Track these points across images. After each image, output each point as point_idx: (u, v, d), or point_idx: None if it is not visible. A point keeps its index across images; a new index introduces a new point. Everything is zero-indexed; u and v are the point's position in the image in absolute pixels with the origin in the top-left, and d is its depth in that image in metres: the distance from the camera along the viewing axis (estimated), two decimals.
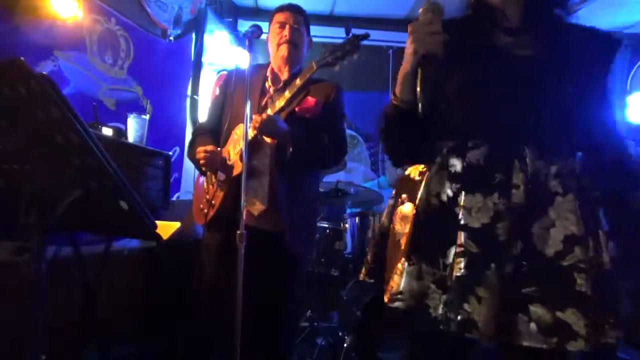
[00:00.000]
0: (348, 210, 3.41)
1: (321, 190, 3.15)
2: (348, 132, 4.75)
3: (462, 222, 1.00)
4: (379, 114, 1.19)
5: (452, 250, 1.00)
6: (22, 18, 2.02)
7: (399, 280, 1.04)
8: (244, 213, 1.63)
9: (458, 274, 0.97)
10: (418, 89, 1.01)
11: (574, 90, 1.04)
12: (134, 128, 2.25)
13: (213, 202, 1.90)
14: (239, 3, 4.60)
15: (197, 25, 3.61)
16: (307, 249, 2.07)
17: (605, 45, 1.10)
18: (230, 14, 4.48)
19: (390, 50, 4.80)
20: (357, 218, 3.03)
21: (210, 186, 1.96)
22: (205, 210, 1.93)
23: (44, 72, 1.45)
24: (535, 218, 0.98)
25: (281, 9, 1.99)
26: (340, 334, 2.88)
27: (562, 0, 1.11)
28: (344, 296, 2.99)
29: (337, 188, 3.13)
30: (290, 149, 1.78)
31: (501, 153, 1.02)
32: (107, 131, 2.04)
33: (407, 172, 1.21)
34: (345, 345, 2.67)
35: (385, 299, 1.07)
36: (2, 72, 0.85)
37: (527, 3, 1.10)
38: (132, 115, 2.28)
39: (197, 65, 3.67)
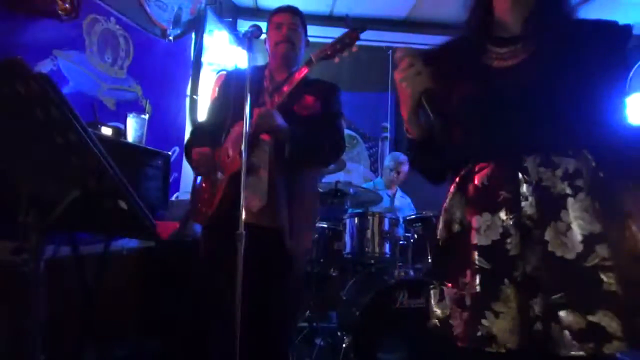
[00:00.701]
0: (347, 211, 3.41)
1: (320, 190, 3.15)
2: (347, 132, 4.76)
3: (473, 242, 1.03)
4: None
5: (469, 270, 1.04)
6: (21, 17, 2.01)
7: (430, 303, 1.13)
8: (243, 210, 1.63)
9: (473, 292, 1.01)
10: (432, 117, 1.11)
11: (578, 85, 1.03)
12: (133, 128, 2.25)
13: (212, 200, 1.90)
14: (238, 3, 4.60)
15: (196, 25, 3.61)
16: (305, 249, 2.06)
17: (612, 36, 1.10)
18: (230, 14, 4.48)
19: (390, 51, 4.79)
20: (356, 218, 3.03)
21: (209, 185, 1.97)
22: (204, 209, 1.93)
23: (43, 72, 1.45)
24: (547, 225, 0.98)
25: (278, 10, 2.02)
26: (339, 334, 2.88)
27: (563, 11, 1.12)
28: (343, 296, 2.99)
29: (337, 188, 3.13)
30: (288, 146, 1.79)
31: (504, 170, 1.04)
32: (106, 131, 2.04)
33: None
34: (344, 345, 2.67)
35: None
36: (1, 71, 0.85)
37: (530, 13, 1.10)
38: (131, 115, 2.28)
39: (197, 65, 3.67)
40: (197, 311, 1.97)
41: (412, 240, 2.94)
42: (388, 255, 2.96)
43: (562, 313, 0.93)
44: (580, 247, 0.95)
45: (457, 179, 1.14)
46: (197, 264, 1.98)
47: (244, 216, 1.62)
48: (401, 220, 3.11)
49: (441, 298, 1.10)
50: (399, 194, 3.91)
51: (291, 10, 2.01)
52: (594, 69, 1.04)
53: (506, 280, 0.98)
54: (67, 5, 2.15)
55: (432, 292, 1.13)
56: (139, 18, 2.89)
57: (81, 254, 1.74)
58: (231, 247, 1.62)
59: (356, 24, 1.81)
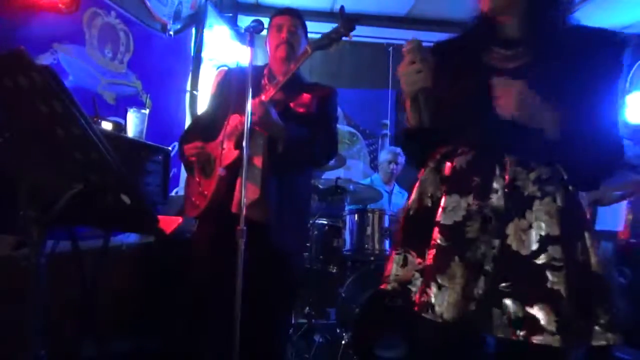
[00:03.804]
0: (347, 207, 3.40)
1: (320, 187, 3.15)
2: (347, 129, 4.76)
3: (437, 219, 1.13)
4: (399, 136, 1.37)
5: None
6: (21, 11, 2.00)
7: (390, 266, 1.23)
8: (244, 207, 1.63)
9: (428, 263, 1.12)
10: (423, 114, 1.21)
11: (569, 97, 1.08)
12: (133, 123, 2.24)
13: (205, 192, 1.90)
14: None
15: (197, 20, 3.59)
16: (297, 247, 2.06)
17: (609, 47, 1.13)
18: (231, 9, 4.46)
19: (390, 48, 4.80)
20: (356, 215, 3.03)
21: (202, 178, 1.96)
22: (198, 202, 1.93)
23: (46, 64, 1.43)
24: (510, 220, 1.07)
25: (279, 12, 2.03)
26: (338, 331, 2.89)
27: (561, 6, 1.16)
28: (342, 293, 2.99)
29: (337, 185, 3.13)
30: (281, 143, 1.79)
31: (483, 160, 1.12)
32: (106, 125, 2.03)
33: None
34: (343, 342, 2.68)
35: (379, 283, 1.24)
36: (4, 63, 0.84)
37: (524, 14, 1.16)
38: (131, 110, 2.27)
39: (197, 60, 3.65)
40: (195, 307, 1.97)
41: None
42: (388, 252, 2.96)
43: (506, 301, 1.02)
44: (535, 246, 1.04)
45: (437, 156, 1.22)
46: (192, 259, 1.97)
47: (237, 210, 1.63)
48: None
49: (404, 264, 1.19)
50: (396, 189, 3.91)
51: (291, 12, 2.03)
52: (589, 80, 1.09)
53: (456, 259, 1.07)
54: None
55: (395, 257, 1.22)
56: (139, 12, 2.87)
57: (81, 249, 1.73)
58: (225, 240, 1.62)
59: (351, 16, 1.84)
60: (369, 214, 2.99)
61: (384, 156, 3.94)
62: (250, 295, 1.74)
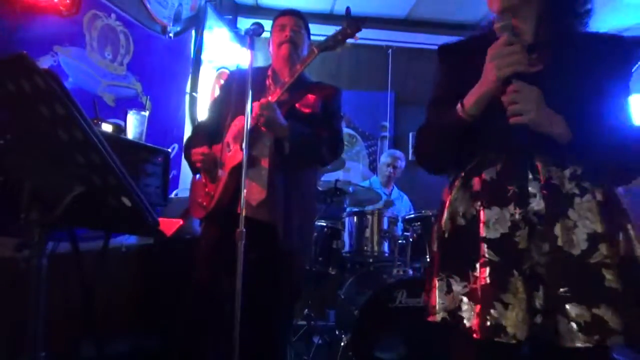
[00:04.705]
0: (346, 209, 3.41)
1: (320, 189, 3.15)
2: (347, 130, 4.77)
3: (482, 234, 1.07)
4: (425, 124, 1.26)
5: (479, 264, 1.07)
6: (22, 13, 2.01)
7: (433, 295, 1.14)
8: (244, 208, 1.63)
9: (483, 283, 1.04)
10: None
11: (589, 97, 1.07)
12: (133, 124, 2.25)
13: (212, 194, 1.92)
14: (238, 0, 4.59)
15: (197, 22, 3.60)
16: (302, 247, 2.07)
17: (624, 51, 1.11)
18: (230, 11, 4.47)
19: (390, 50, 4.81)
20: (355, 217, 3.03)
21: (209, 180, 1.97)
22: (205, 203, 1.94)
23: (47, 67, 1.44)
24: (556, 221, 1.03)
25: (282, 13, 2.06)
26: (337, 332, 2.89)
27: (576, 13, 1.14)
28: (341, 295, 2.99)
29: (336, 187, 3.13)
30: (287, 142, 1.80)
31: (513, 167, 1.09)
32: (106, 127, 2.04)
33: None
34: (342, 344, 2.68)
35: (426, 315, 1.16)
36: (6, 67, 0.84)
37: (540, 19, 1.14)
38: (131, 112, 2.28)
39: (197, 62, 3.66)
40: (196, 308, 1.97)
41: (411, 239, 2.94)
42: (387, 254, 2.97)
43: (568, 306, 0.97)
44: (585, 245, 1.00)
45: (463, 173, 1.17)
46: (196, 259, 1.98)
47: (244, 212, 1.64)
48: (400, 219, 3.12)
49: (448, 291, 1.12)
50: (395, 192, 3.92)
51: (294, 13, 2.05)
52: (604, 82, 1.07)
53: (515, 272, 1.02)
54: (67, 1, 2.14)
55: (438, 283, 1.14)
56: (139, 14, 2.88)
57: (80, 251, 1.74)
58: (230, 241, 1.63)
59: (356, 18, 1.85)
60: (368, 216, 2.99)
61: (383, 158, 3.97)
62: (254, 295, 1.75)
